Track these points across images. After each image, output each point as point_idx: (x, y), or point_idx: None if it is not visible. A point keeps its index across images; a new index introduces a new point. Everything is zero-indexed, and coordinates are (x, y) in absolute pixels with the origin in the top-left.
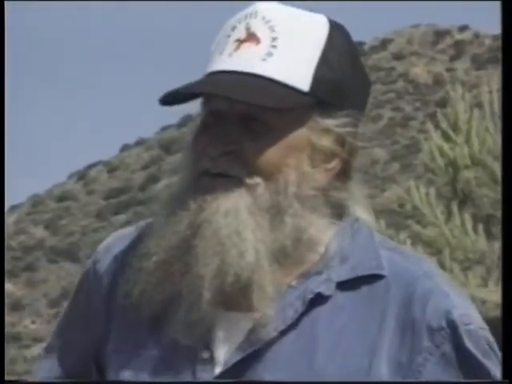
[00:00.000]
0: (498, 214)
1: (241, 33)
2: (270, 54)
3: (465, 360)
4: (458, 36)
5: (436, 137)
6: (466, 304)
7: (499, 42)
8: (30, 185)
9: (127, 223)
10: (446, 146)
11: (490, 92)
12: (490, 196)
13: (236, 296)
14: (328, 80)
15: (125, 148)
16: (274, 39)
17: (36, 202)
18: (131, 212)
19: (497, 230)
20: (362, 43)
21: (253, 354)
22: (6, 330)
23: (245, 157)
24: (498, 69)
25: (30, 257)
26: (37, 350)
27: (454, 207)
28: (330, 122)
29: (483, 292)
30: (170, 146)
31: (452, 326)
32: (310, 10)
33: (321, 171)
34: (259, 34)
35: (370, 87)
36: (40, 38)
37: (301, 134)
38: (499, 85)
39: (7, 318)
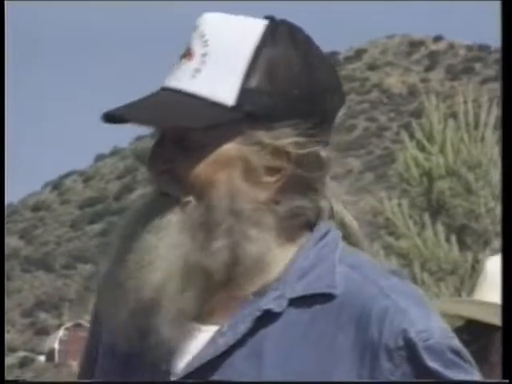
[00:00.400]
0: (472, 224)
1: (183, 48)
2: (198, 71)
3: (428, 377)
4: (433, 46)
5: (411, 147)
6: (427, 318)
7: (473, 53)
8: (4, 194)
9: (102, 233)
10: (420, 157)
11: (465, 102)
12: (464, 206)
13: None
14: (261, 91)
15: (100, 158)
16: (203, 55)
17: (10, 211)
18: (106, 222)
19: (470, 240)
20: (336, 53)
21: (205, 367)
22: None
23: (178, 175)
24: (473, 79)
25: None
26: (11, 359)
27: (427, 218)
28: (262, 135)
29: (453, 306)
30: (145, 155)
31: (409, 345)
32: (266, 17)
33: (260, 184)
34: (193, 49)
35: (329, 91)
36: (11, 39)
37: (230, 148)
38: (474, 95)
39: None
